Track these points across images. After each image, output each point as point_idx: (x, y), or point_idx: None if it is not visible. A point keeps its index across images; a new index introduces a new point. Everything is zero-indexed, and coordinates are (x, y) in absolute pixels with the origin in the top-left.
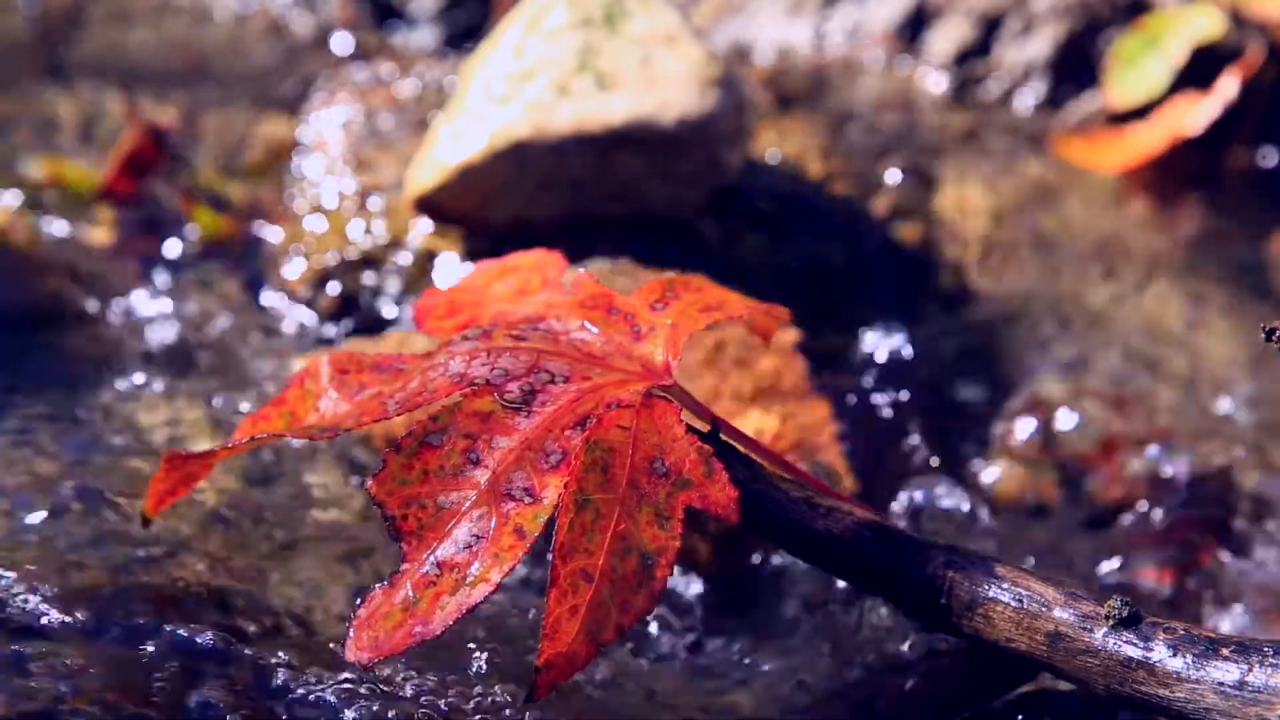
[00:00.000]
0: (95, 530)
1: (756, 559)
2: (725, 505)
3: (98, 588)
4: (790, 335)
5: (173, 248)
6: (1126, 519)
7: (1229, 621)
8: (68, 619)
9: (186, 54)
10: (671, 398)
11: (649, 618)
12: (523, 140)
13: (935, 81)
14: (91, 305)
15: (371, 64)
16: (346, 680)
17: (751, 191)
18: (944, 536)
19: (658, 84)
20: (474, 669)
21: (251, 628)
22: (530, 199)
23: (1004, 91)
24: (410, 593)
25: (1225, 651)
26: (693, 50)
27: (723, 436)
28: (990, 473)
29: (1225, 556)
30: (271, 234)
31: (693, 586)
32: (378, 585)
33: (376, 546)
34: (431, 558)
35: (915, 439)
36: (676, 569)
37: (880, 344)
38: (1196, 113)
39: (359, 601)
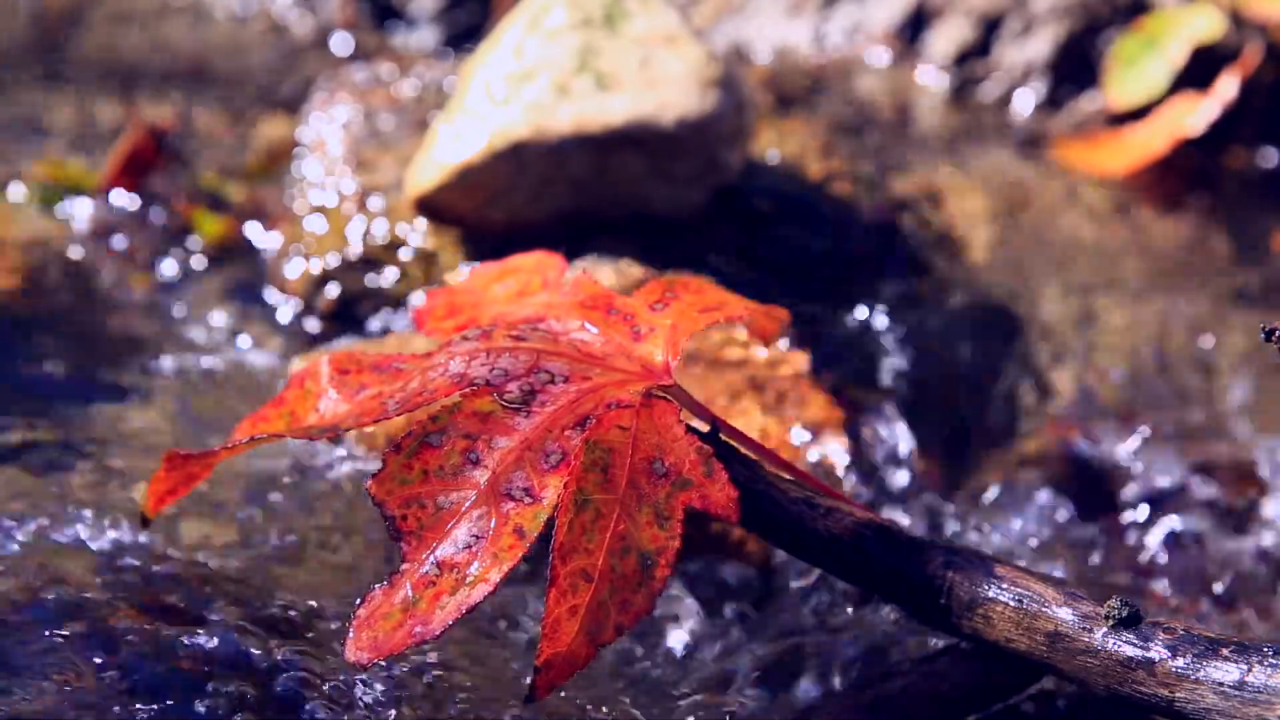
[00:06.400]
0: (96, 531)
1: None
2: (725, 505)
3: (95, 588)
4: (790, 335)
5: (172, 248)
6: (1124, 517)
7: None
8: (67, 619)
9: (186, 54)
10: (671, 398)
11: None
12: (522, 141)
13: (935, 82)
14: (90, 306)
15: (371, 64)
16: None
17: (751, 191)
18: (944, 536)
19: (658, 84)
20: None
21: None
22: (530, 199)
23: (1004, 92)
24: (410, 592)
25: (1225, 651)
26: (693, 50)
27: (722, 436)
28: (990, 471)
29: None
30: (271, 234)
31: (694, 586)
32: (377, 585)
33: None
34: (431, 558)
35: (915, 439)
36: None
37: (880, 343)
38: (1196, 113)
39: (359, 601)
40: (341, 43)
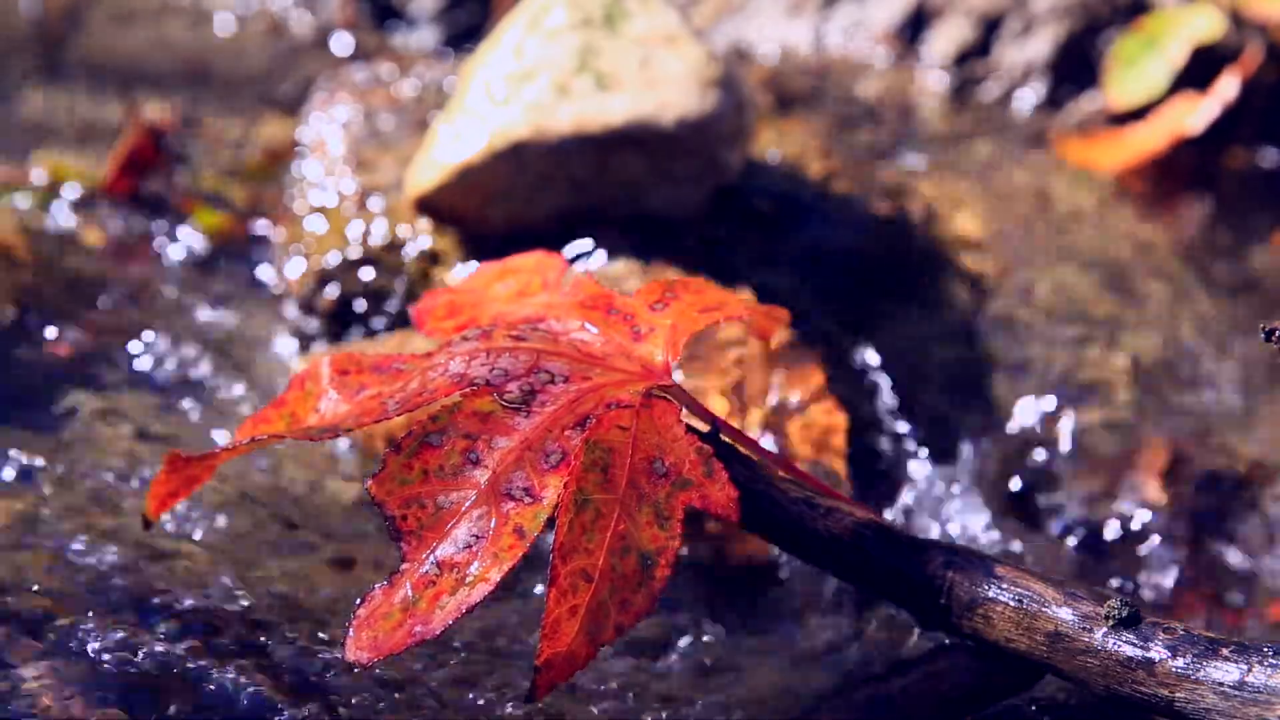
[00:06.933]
0: (95, 530)
1: (759, 559)
2: (725, 505)
3: (86, 586)
4: (789, 335)
5: (172, 249)
6: (1127, 524)
7: None
8: (69, 618)
9: (186, 54)
10: (671, 398)
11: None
12: (522, 141)
13: (935, 82)
14: (90, 307)
15: (371, 64)
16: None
17: (751, 191)
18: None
19: (658, 84)
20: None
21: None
22: (530, 199)
23: (1004, 92)
24: (410, 592)
25: (1225, 652)
26: (693, 50)
27: (722, 436)
28: (991, 472)
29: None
30: (271, 234)
31: (696, 585)
32: (378, 585)
33: None
34: (431, 557)
35: (915, 439)
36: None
37: (879, 344)
38: (1196, 113)
39: (359, 601)
40: (341, 43)
